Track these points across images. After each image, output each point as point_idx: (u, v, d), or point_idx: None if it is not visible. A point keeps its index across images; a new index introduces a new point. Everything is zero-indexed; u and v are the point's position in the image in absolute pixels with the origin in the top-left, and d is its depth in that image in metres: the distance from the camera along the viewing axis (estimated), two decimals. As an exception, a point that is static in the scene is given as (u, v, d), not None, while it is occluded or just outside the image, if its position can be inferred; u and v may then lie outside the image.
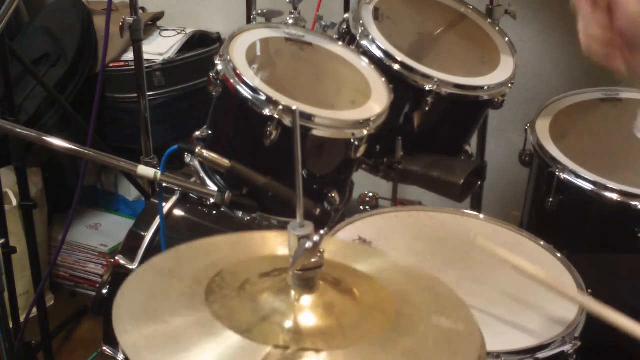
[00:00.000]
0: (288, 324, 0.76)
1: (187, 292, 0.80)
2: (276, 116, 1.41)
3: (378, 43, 1.67)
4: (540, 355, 1.13)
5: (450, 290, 0.87)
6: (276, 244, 0.91)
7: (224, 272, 0.84)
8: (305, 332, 0.76)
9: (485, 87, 1.72)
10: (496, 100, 1.74)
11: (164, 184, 1.45)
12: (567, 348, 1.15)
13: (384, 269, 0.91)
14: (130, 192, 2.79)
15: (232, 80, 1.46)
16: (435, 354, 0.75)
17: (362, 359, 0.73)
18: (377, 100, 1.56)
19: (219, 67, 1.49)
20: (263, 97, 1.42)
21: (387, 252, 0.99)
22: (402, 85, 1.65)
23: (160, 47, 2.56)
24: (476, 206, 2.20)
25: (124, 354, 0.91)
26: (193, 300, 0.79)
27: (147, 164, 1.79)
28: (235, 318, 0.76)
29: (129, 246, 1.55)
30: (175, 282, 0.82)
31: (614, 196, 1.55)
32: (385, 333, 0.76)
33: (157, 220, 1.53)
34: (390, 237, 1.40)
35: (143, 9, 2.65)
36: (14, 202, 2.31)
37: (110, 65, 2.52)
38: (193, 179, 1.59)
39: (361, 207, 1.67)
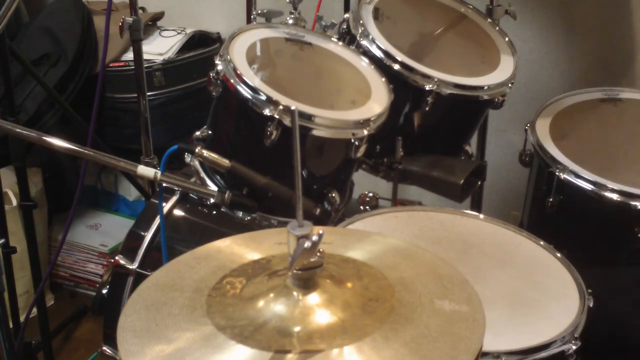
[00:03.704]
0: (289, 326, 0.76)
1: (189, 303, 0.81)
2: (276, 116, 1.40)
3: (378, 43, 1.67)
4: (540, 355, 1.13)
5: (453, 269, 0.86)
6: (275, 244, 0.91)
7: (223, 279, 0.84)
8: (306, 333, 0.76)
9: (485, 87, 1.72)
10: (496, 100, 1.74)
11: (164, 184, 1.45)
12: (567, 348, 1.15)
13: (384, 254, 0.91)
14: (130, 192, 2.79)
15: (232, 80, 1.46)
16: (438, 341, 0.75)
17: (365, 356, 0.73)
18: (377, 100, 1.56)
19: (219, 67, 1.49)
20: (263, 97, 1.42)
21: (386, 235, 0.98)
22: (402, 85, 1.65)
23: (160, 47, 2.56)
24: (476, 206, 2.19)
25: None
26: (194, 313, 0.79)
27: (147, 164, 1.79)
28: (237, 326, 0.76)
29: (129, 246, 1.55)
30: (177, 294, 0.83)
31: (614, 196, 1.55)
32: (387, 325, 0.76)
33: (157, 220, 1.53)
34: (390, 237, 1.40)
35: (143, 9, 2.65)
36: (14, 202, 2.31)
37: (110, 65, 2.52)
38: (193, 179, 1.59)
39: (361, 207, 1.67)
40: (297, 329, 0.76)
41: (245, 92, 1.44)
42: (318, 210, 1.51)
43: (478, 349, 0.74)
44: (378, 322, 0.77)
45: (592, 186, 1.58)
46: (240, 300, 0.81)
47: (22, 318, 2.08)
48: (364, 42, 1.68)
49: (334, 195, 1.55)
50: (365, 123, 1.49)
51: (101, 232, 2.71)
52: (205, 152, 1.47)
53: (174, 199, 1.57)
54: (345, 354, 0.73)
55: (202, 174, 1.57)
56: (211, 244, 0.93)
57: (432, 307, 0.79)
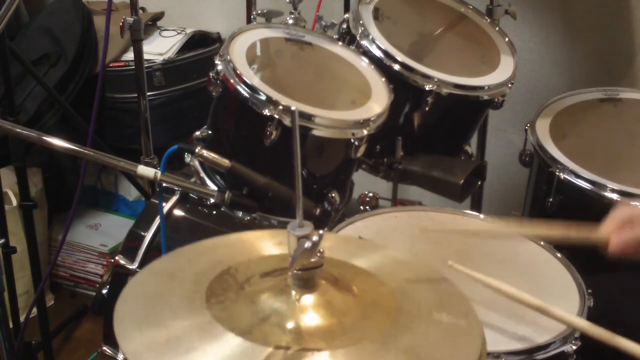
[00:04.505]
0: (289, 324, 0.76)
1: (188, 294, 0.81)
2: (276, 116, 1.40)
3: (378, 43, 1.67)
4: (540, 355, 1.13)
5: (451, 285, 0.86)
6: (275, 243, 0.91)
7: (223, 274, 0.84)
8: (306, 332, 0.76)
9: (485, 87, 1.72)
10: (496, 100, 1.74)
11: (164, 184, 1.45)
12: (567, 348, 1.15)
13: (384, 264, 0.91)
14: (130, 192, 2.79)
15: (232, 80, 1.46)
16: (437, 351, 0.75)
17: (363, 358, 0.73)
18: (377, 100, 1.56)
19: (219, 67, 1.49)
20: (263, 97, 1.42)
21: (387, 246, 0.98)
22: (402, 85, 1.65)
23: (160, 47, 2.56)
24: (476, 206, 2.19)
25: (124, 355, 0.91)
26: (193, 303, 0.79)
27: (147, 164, 1.79)
28: (235, 319, 0.76)
29: (129, 246, 1.55)
30: (176, 285, 0.83)
31: (614, 196, 1.55)
32: (386, 331, 0.76)
33: (157, 220, 1.53)
34: (390, 237, 1.40)
35: (143, 9, 2.65)
36: (14, 202, 2.31)
37: (110, 65, 2.52)
38: (193, 179, 1.59)
39: (361, 207, 1.67)
40: (296, 329, 0.76)
41: (245, 92, 1.44)
42: (318, 210, 1.51)
43: (478, 354, 0.74)
44: (377, 326, 0.77)
45: (592, 186, 1.58)
46: (240, 300, 0.81)
47: (22, 318, 2.08)
48: (364, 42, 1.68)
49: (334, 195, 1.55)
50: (365, 123, 1.49)
51: (101, 232, 2.71)
52: (205, 152, 1.47)
53: (174, 199, 1.57)
54: (344, 355, 0.73)
55: (202, 174, 1.57)
56: (211, 243, 0.93)
57: (431, 317, 0.79)
